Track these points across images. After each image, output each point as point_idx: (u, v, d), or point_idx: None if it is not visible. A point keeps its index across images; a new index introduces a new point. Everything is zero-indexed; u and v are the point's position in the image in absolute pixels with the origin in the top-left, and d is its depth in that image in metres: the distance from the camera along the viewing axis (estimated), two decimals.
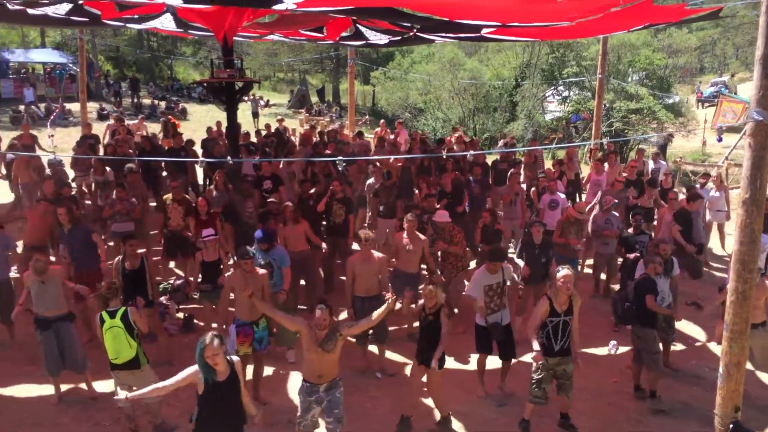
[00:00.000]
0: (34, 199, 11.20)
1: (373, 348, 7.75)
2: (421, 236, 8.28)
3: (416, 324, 6.74)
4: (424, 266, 8.59)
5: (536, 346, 6.06)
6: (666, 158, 18.37)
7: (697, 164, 22.27)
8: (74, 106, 24.55)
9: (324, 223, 9.92)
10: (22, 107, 26.14)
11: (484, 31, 9.84)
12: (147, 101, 32.10)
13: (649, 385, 7.05)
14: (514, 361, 7.25)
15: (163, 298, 8.95)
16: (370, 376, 7.55)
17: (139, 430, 6.28)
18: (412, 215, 8.31)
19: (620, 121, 26.68)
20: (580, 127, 29.22)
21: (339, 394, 5.68)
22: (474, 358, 7.51)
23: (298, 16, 10.08)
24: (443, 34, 11.40)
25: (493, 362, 7.28)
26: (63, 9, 9.61)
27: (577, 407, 6.60)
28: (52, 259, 8.88)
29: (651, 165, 13.58)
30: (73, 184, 12.30)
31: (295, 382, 6.91)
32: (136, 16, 11.41)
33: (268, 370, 7.34)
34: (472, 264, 9.99)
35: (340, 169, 11.39)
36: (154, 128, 18.93)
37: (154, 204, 11.59)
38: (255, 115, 29.55)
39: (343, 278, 8.14)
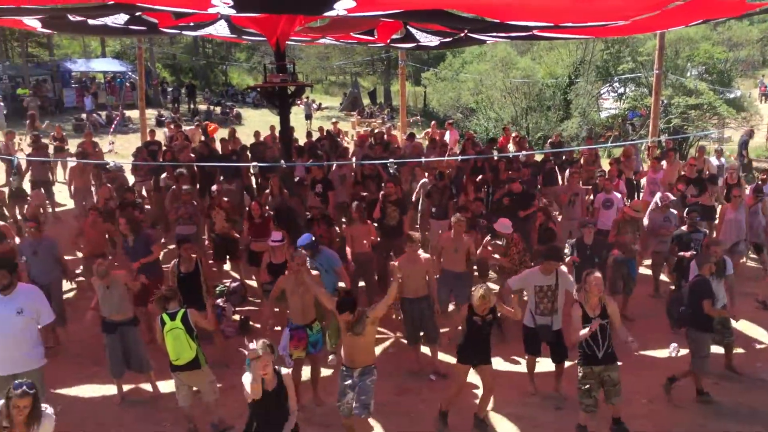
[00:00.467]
0: (86, 204, 11.58)
1: (425, 350, 7.73)
2: (466, 237, 8.21)
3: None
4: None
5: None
6: (748, 154, 17.69)
7: (761, 160, 21.49)
8: (134, 114, 25.27)
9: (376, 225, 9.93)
10: (84, 115, 27.07)
11: (536, 30, 9.73)
12: (203, 107, 32.86)
13: (696, 385, 6.88)
14: (568, 364, 7.13)
15: (219, 301, 9.10)
16: (423, 378, 7.51)
17: (198, 430, 6.41)
18: (461, 216, 8.25)
19: (679, 118, 25.99)
20: (637, 124, 28.54)
21: (370, 381, 5.81)
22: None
23: (349, 19, 10.16)
24: (494, 34, 11.31)
25: (546, 365, 7.20)
26: (122, 19, 9.92)
27: (635, 411, 6.45)
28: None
29: (714, 162, 13.17)
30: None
31: None
32: (191, 24, 11.69)
33: (325, 372, 7.34)
34: None
35: (391, 171, 11.40)
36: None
37: None
38: (308, 117, 29.93)
39: None
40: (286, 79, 10.50)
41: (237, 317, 9.11)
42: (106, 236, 9.59)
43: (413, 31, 11.85)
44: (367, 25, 11.73)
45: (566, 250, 8.81)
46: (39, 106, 25.09)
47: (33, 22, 10.22)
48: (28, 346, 5.80)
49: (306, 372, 6.96)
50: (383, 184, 10.15)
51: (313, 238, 7.66)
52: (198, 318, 6.27)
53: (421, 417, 6.71)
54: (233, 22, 11.23)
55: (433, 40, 12.69)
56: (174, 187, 10.77)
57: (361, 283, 9.11)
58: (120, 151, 20.76)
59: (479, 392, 6.63)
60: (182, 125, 21.21)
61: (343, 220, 12.09)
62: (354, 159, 13.18)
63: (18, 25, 14.79)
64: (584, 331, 5.91)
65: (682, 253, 8.48)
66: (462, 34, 11.32)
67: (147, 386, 7.29)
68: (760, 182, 11.10)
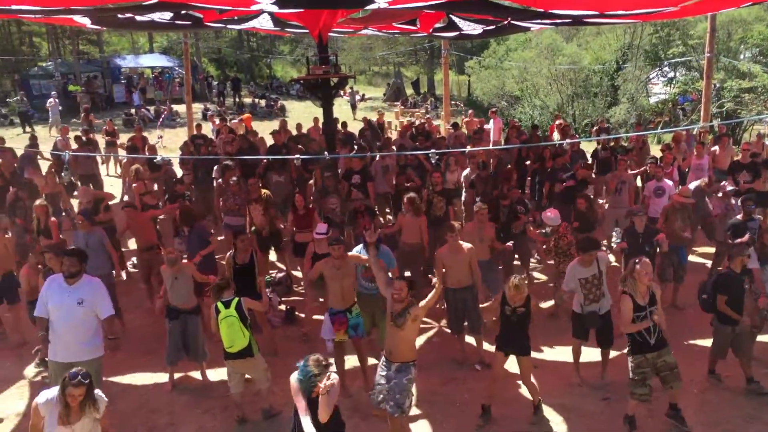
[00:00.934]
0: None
1: (470, 340, 7.72)
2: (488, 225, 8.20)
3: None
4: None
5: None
6: None
7: None
8: (181, 108, 25.73)
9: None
10: (132, 110, 27.70)
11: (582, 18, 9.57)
12: (248, 100, 33.25)
13: (745, 373, 6.76)
14: (615, 353, 7.03)
15: (266, 291, 9.23)
16: (468, 368, 7.50)
17: (246, 418, 6.53)
18: (482, 204, 8.19)
19: (732, 101, 25.25)
20: (688, 109, 27.84)
21: (407, 380, 5.66)
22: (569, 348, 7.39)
23: (390, 10, 10.14)
24: (538, 21, 11.15)
25: (592, 354, 7.15)
26: (168, 14, 10.11)
27: (685, 401, 6.32)
28: None
29: None
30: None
31: None
32: (235, 18, 11.84)
33: (371, 360, 7.30)
34: None
35: (433, 161, 11.35)
36: (256, 126, 19.57)
37: None
38: (353, 107, 30.05)
39: None
40: (328, 71, 10.55)
41: (283, 307, 9.23)
42: (156, 227, 9.77)
43: (456, 19, 11.75)
44: (409, 15, 11.68)
45: (614, 238, 8.67)
46: (90, 102, 25.78)
47: (83, 20, 10.50)
48: (87, 336, 5.93)
49: (352, 361, 7.05)
50: (428, 175, 10.11)
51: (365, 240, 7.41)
52: (251, 303, 6.39)
53: (465, 406, 6.72)
54: (276, 15, 11.33)
55: (476, 29, 12.56)
56: (220, 179, 10.93)
57: (407, 273, 9.10)
58: (168, 144, 21.16)
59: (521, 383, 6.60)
60: (227, 118, 21.54)
61: (387, 210, 12.13)
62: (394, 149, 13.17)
63: (68, 23, 15.19)
64: (641, 324, 5.81)
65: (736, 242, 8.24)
66: (505, 22, 11.17)
67: (196, 374, 7.46)
68: None
